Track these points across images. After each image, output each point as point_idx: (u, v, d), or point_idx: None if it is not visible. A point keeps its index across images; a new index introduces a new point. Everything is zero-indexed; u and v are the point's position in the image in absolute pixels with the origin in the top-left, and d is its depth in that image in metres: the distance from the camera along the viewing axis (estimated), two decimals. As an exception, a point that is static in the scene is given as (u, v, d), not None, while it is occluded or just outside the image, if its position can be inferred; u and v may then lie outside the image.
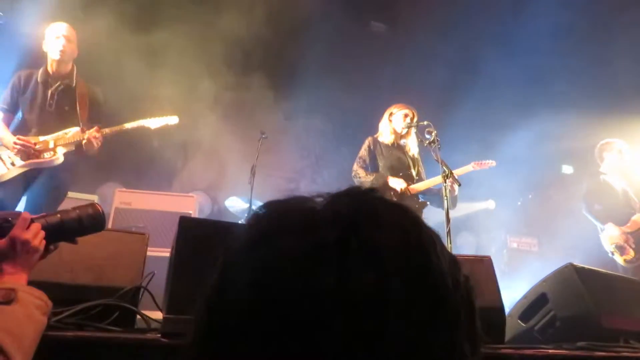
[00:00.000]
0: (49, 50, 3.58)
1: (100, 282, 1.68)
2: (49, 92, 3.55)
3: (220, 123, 5.94)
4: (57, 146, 3.48)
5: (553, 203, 6.48)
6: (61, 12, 4.39)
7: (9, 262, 1.25)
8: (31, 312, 1.15)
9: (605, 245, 4.61)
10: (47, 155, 3.44)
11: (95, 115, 3.68)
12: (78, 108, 3.57)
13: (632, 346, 2.04)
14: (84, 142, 3.47)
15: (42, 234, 1.32)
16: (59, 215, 1.38)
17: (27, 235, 1.28)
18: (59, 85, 3.58)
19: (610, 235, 4.55)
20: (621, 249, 4.45)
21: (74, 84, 3.63)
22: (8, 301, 1.11)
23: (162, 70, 5.51)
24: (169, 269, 1.59)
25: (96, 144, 3.48)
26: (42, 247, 1.32)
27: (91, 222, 1.41)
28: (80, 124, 3.55)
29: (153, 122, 3.75)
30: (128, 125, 3.67)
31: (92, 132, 3.46)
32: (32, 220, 1.32)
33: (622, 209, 4.64)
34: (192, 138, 5.93)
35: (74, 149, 3.53)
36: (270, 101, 6.09)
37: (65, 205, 4.36)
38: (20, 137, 3.40)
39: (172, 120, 3.84)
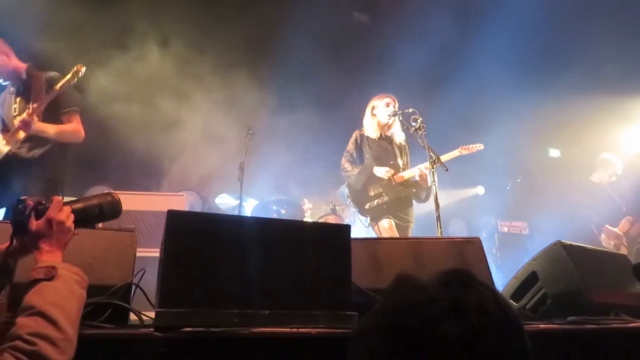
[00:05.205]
0: None
1: (90, 281, 1.66)
2: (14, 99, 3.38)
3: (207, 121, 5.91)
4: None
5: (541, 186, 6.55)
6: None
7: (46, 241, 1.32)
8: (72, 287, 1.24)
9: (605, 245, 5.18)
10: None
11: (58, 104, 3.33)
12: (32, 105, 3.22)
13: (621, 319, 2.07)
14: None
15: (73, 216, 1.39)
16: (81, 203, 1.46)
17: (62, 216, 1.35)
18: (19, 88, 3.38)
19: (606, 237, 5.18)
20: (617, 249, 5.03)
21: (25, 78, 3.37)
22: (50, 278, 1.21)
23: (147, 70, 5.46)
24: (159, 263, 1.58)
25: (25, 128, 3.14)
26: (73, 228, 1.39)
27: (110, 209, 1.50)
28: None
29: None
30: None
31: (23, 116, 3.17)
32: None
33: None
34: (179, 137, 5.89)
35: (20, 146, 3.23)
36: (255, 97, 6.07)
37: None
38: None
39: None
